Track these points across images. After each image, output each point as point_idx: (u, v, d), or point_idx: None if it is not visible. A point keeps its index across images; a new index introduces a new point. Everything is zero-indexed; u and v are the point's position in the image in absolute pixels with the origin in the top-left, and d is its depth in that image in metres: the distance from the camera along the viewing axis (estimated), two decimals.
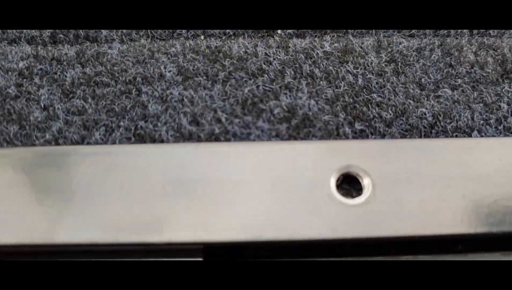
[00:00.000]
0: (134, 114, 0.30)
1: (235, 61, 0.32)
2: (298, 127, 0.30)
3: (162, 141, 0.29)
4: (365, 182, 0.26)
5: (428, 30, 0.35)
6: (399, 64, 0.32)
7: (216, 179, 0.26)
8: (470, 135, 0.30)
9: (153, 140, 0.29)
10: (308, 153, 0.27)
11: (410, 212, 0.26)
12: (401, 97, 0.31)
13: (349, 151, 0.27)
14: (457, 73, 0.32)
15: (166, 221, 0.25)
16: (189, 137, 0.29)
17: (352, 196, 0.26)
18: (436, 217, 0.26)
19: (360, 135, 0.29)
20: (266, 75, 0.31)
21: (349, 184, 0.27)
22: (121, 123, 0.30)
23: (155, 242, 0.25)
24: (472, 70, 0.32)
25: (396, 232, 0.25)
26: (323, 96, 0.31)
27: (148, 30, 0.34)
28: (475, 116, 0.30)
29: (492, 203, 0.26)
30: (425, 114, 0.30)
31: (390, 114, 0.30)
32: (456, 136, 0.29)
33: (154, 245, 0.25)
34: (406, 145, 0.27)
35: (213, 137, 0.29)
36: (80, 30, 0.34)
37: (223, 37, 0.34)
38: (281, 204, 0.25)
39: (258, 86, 0.31)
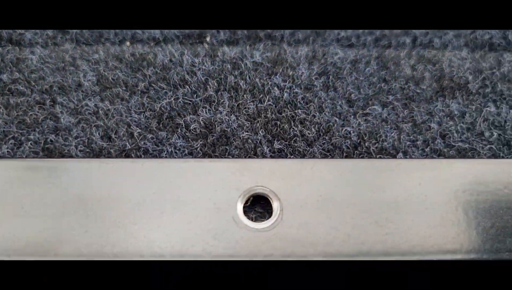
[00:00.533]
0: (45, 126, 0.29)
1: (158, 70, 0.31)
2: (214, 145, 0.28)
3: (70, 157, 0.28)
4: (274, 205, 0.25)
5: (369, 40, 0.33)
6: (330, 77, 0.31)
7: (118, 198, 0.25)
8: (394, 157, 0.28)
9: (62, 155, 0.28)
10: (217, 172, 0.25)
11: (318, 238, 0.25)
12: (327, 114, 0.29)
13: (260, 171, 0.26)
14: (390, 89, 0.31)
15: (62, 241, 0.24)
16: (99, 153, 0.28)
17: (261, 220, 0.25)
18: (345, 244, 0.25)
19: (278, 154, 0.28)
20: (188, 87, 0.30)
21: (261, 206, 0.26)
22: (31, 136, 0.28)
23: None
24: (406, 86, 0.31)
25: (300, 258, 0.24)
26: (245, 112, 0.29)
27: (74, 33, 0.33)
28: (402, 136, 0.29)
29: (405, 230, 0.25)
30: (349, 133, 0.29)
31: (313, 133, 0.29)
32: (380, 158, 0.28)
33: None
34: (322, 166, 0.26)
35: (123, 154, 0.28)
36: (3, 31, 0.33)
37: (151, 44, 0.32)
38: (182, 226, 0.24)
39: (177, 99, 0.30)
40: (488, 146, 0.29)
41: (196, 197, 0.25)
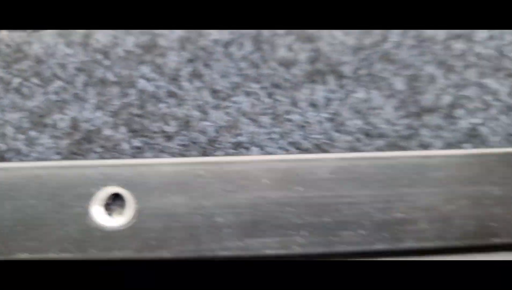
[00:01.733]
0: None
1: (33, 64, 0.31)
2: (80, 143, 0.30)
3: None
4: (129, 205, 0.27)
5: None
6: (200, 64, 0.31)
7: None
8: (249, 152, 0.29)
9: None
10: (74, 175, 0.27)
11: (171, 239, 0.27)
12: (188, 107, 0.30)
13: (113, 173, 0.27)
14: (258, 75, 0.30)
15: None
16: None
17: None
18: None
19: (137, 152, 0.29)
20: (59, 82, 0.31)
21: (115, 206, 0.28)
22: None
23: None
24: (276, 71, 0.30)
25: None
26: (110, 108, 0.30)
27: None
28: (260, 129, 0.29)
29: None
30: (207, 127, 0.29)
31: (173, 128, 0.29)
32: (233, 153, 0.29)
33: None
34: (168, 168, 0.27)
35: None
36: None
37: (29, 31, 0.33)
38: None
39: (47, 96, 0.31)
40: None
41: (55, 203, 0.27)
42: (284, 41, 0.31)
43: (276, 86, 0.30)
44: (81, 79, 0.31)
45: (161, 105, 0.30)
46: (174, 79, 0.30)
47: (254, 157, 0.27)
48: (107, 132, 0.30)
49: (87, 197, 0.27)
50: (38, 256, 0.26)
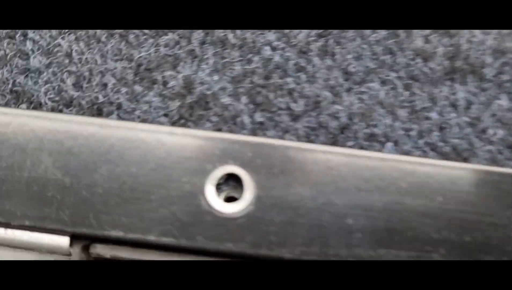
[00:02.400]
0: (14, 65, 0.26)
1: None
2: (192, 107, 0.26)
3: (40, 104, 0.26)
4: (247, 189, 0.24)
5: None
6: (331, 40, 0.28)
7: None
8: (383, 146, 0.26)
9: (30, 102, 0.26)
10: (187, 146, 0.24)
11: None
12: (318, 86, 0.27)
13: (232, 149, 0.24)
14: (394, 62, 0.27)
15: None
16: (70, 104, 0.26)
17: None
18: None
19: (259, 127, 0.26)
20: (170, 34, 0.27)
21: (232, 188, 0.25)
22: None
23: None
24: (413, 61, 0.27)
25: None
26: (229, 72, 0.27)
27: None
28: (396, 123, 0.27)
29: None
30: (339, 112, 0.26)
31: (300, 107, 0.26)
32: (366, 146, 0.26)
33: None
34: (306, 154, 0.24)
35: (94, 107, 0.26)
36: None
37: None
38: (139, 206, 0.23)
39: (158, 48, 0.27)
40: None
41: (164, 173, 0.23)
42: (421, 32, 0.28)
43: (414, 78, 0.27)
44: (198, 35, 0.27)
45: (289, 79, 0.27)
46: (303, 52, 0.27)
47: (394, 156, 0.25)
48: (225, 99, 0.26)
49: (200, 173, 0.23)
50: (134, 236, 0.23)
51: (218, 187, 0.24)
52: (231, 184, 0.24)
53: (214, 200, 0.23)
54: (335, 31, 0.28)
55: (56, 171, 0.23)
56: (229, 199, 0.24)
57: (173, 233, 0.23)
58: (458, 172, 0.24)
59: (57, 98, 0.26)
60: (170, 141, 0.23)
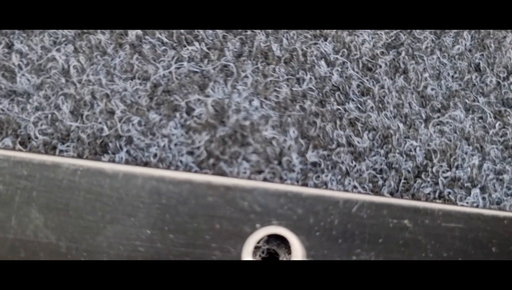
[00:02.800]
0: None
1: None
2: (225, 143, 0.20)
3: (28, 138, 0.20)
4: (295, 257, 0.18)
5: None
6: (403, 54, 0.21)
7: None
8: (469, 193, 0.21)
9: (16, 135, 0.20)
10: (216, 202, 0.18)
11: None
12: (388, 115, 0.21)
13: (276, 204, 0.18)
14: (483, 83, 0.21)
15: None
16: (66, 137, 0.20)
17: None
18: None
19: (312, 169, 0.20)
20: (196, 44, 0.21)
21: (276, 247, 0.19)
22: None
23: None
24: (506, 81, 0.21)
25: None
26: (273, 96, 0.21)
27: None
28: (485, 163, 0.21)
29: None
30: (414, 149, 0.21)
31: (365, 142, 0.20)
32: (448, 193, 0.20)
33: None
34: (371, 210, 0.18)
35: (98, 142, 0.20)
36: None
37: None
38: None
39: (180, 63, 0.21)
40: None
41: (188, 237, 0.18)
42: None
43: (506, 102, 0.21)
44: (232, 45, 0.21)
45: (351, 106, 0.21)
46: (369, 69, 0.21)
47: (480, 210, 0.19)
48: (267, 132, 0.20)
49: (237, 238, 0.18)
50: None
51: (257, 253, 0.18)
52: (273, 242, 0.19)
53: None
54: (407, 40, 0.21)
55: (48, 232, 0.18)
56: (269, 258, 0.18)
57: None
58: None
59: (50, 130, 0.20)
60: (196, 194, 0.18)
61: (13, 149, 0.19)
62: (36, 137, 0.20)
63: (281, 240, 0.19)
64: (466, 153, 0.21)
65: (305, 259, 0.18)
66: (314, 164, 0.20)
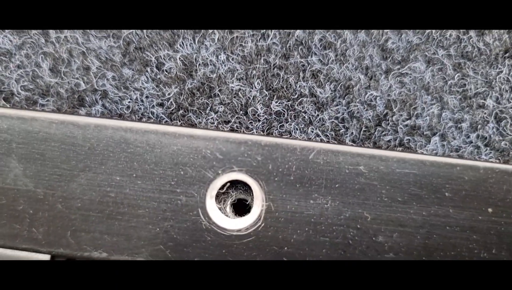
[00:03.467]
0: None
1: None
2: (193, 95, 0.21)
3: (11, 94, 0.21)
4: (255, 201, 0.19)
5: None
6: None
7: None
8: (428, 141, 0.21)
9: (0, 92, 0.21)
10: (182, 149, 0.19)
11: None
12: (350, 67, 0.22)
13: (237, 152, 0.19)
14: (442, 37, 0.22)
15: None
16: (46, 92, 0.21)
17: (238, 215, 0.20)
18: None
19: (275, 118, 0.21)
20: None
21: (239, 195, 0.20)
22: None
23: None
24: (465, 36, 0.22)
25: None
26: (239, 50, 0.22)
27: None
28: (444, 113, 0.22)
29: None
30: (375, 99, 0.21)
31: (327, 92, 0.21)
32: (407, 141, 0.21)
33: None
34: (330, 156, 0.19)
35: (75, 96, 0.21)
36: None
37: None
38: (132, 224, 0.19)
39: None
40: None
41: (154, 183, 0.19)
42: None
43: (466, 55, 0.22)
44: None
45: (313, 59, 0.22)
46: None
47: (436, 158, 0.20)
48: (234, 84, 0.21)
49: (201, 183, 0.19)
50: (119, 258, 0.19)
51: (220, 198, 0.19)
52: (236, 191, 0.20)
53: (216, 214, 0.19)
54: None
55: (27, 180, 0.19)
56: (237, 205, 0.19)
57: (166, 255, 0.19)
58: None
59: (31, 86, 0.21)
60: (162, 143, 0.19)
61: None
62: (19, 93, 0.21)
63: (248, 187, 0.20)
64: (425, 103, 0.21)
65: (264, 203, 0.19)
66: (278, 113, 0.21)
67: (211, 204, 0.19)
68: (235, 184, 0.20)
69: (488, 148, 0.21)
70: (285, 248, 0.19)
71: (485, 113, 0.21)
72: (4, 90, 0.21)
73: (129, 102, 0.21)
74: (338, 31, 0.22)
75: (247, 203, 0.20)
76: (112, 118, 0.20)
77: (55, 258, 0.19)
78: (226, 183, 0.19)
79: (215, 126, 0.21)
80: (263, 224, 0.19)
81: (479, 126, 0.21)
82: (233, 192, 0.20)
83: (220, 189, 0.19)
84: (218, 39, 0.21)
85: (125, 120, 0.19)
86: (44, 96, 0.21)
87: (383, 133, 0.21)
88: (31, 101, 0.21)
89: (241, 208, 0.20)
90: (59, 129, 0.19)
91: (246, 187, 0.20)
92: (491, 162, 0.20)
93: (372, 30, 0.22)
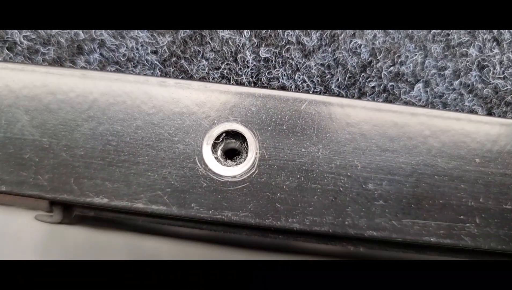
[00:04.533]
0: None
1: None
2: (185, 43, 0.22)
3: (15, 44, 0.23)
4: (249, 149, 0.20)
5: None
6: None
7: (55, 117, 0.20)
8: (412, 88, 0.22)
9: (4, 41, 0.23)
10: (180, 99, 0.20)
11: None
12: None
13: (233, 103, 0.20)
14: None
15: None
16: (47, 41, 0.23)
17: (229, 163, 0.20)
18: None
19: (264, 64, 0.22)
20: None
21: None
22: None
23: None
24: None
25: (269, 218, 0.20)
26: None
27: None
28: (427, 60, 0.22)
29: None
30: (359, 47, 0.22)
31: (314, 40, 0.22)
32: (391, 87, 0.22)
33: None
34: (320, 107, 0.20)
35: (75, 45, 0.22)
36: None
37: None
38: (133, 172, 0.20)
39: None
40: None
41: (153, 132, 0.20)
42: None
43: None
44: None
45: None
46: None
47: (424, 110, 0.20)
48: (224, 33, 0.22)
49: (196, 132, 0.19)
50: (119, 203, 0.19)
51: (216, 147, 0.20)
52: (231, 140, 0.20)
53: (212, 162, 0.19)
54: None
55: (33, 130, 0.20)
56: (229, 153, 0.20)
57: (164, 200, 0.19)
58: (501, 129, 0.20)
59: (33, 36, 0.22)
60: (160, 94, 0.20)
61: (1, 53, 0.22)
62: (21, 43, 0.22)
63: (240, 137, 0.20)
64: (409, 51, 0.22)
65: (258, 151, 0.19)
66: (266, 60, 0.22)
67: (207, 152, 0.19)
68: (227, 134, 0.20)
69: (470, 95, 0.22)
70: (278, 194, 0.19)
71: (467, 62, 0.22)
72: (8, 39, 0.22)
73: (125, 50, 0.22)
74: None
75: (237, 151, 0.21)
76: (114, 72, 0.21)
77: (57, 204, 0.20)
78: (222, 132, 0.20)
79: (206, 72, 0.22)
80: (256, 171, 0.19)
81: (462, 74, 0.22)
82: (226, 140, 0.21)
83: (216, 139, 0.20)
84: None
85: (125, 73, 0.20)
86: (46, 45, 0.22)
87: (368, 79, 0.22)
88: (33, 51, 0.22)
89: (232, 157, 0.21)
90: (64, 82, 0.20)
91: (238, 137, 0.20)
92: (477, 113, 0.21)
93: None
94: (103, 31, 0.22)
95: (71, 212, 0.22)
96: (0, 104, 0.20)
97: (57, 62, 0.22)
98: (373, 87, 0.22)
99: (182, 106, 0.19)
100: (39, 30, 0.22)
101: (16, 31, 0.22)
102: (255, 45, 0.22)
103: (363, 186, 0.19)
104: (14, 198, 0.22)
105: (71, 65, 0.22)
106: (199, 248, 0.23)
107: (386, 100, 0.22)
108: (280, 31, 0.22)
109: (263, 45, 0.22)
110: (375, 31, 0.22)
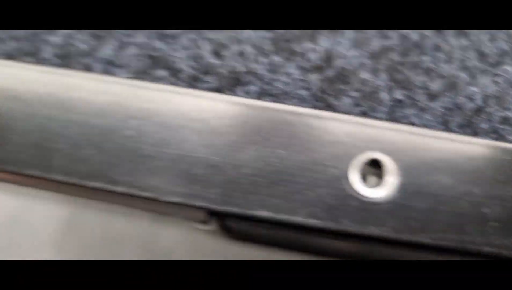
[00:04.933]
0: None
1: None
2: (332, 81, 0.26)
3: (177, 71, 0.25)
4: (390, 176, 0.24)
5: None
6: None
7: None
8: None
9: (168, 68, 0.25)
10: (333, 130, 0.23)
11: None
12: (454, 66, 0.27)
13: (377, 135, 0.24)
14: None
15: None
16: (206, 71, 0.25)
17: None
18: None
19: (397, 105, 0.26)
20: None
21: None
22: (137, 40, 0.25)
23: None
24: None
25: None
26: (368, 48, 0.26)
27: None
28: None
29: None
30: (474, 94, 0.27)
31: (437, 86, 0.26)
32: (500, 129, 0.26)
33: None
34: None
35: (232, 76, 0.25)
36: None
37: None
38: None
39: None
40: None
41: (311, 157, 0.23)
42: None
43: None
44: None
45: (425, 58, 0.27)
46: (438, 30, 0.27)
47: None
48: (365, 75, 0.26)
49: (345, 159, 0.23)
50: (282, 217, 0.23)
51: (362, 172, 0.24)
52: (373, 171, 0.24)
53: (359, 185, 0.23)
54: None
55: (202, 149, 0.23)
56: (373, 177, 0.24)
57: (320, 215, 0.23)
58: None
59: (196, 65, 0.25)
60: (317, 125, 0.23)
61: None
62: (184, 70, 0.25)
63: (379, 168, 0.24)
64: None
65: (397, 177, 0.23)
66: (399, 100, 0.26)
67: (354, 176, 0.23)
68: (372, 161, 0.24)
69: None
70: (413, 213, 0.23)
71: None
72: (171, 67, 0.25)
73: (279, 84, 0.25)
74: (444, 35, 0.27)
75: (380, 176, 0.24)
76: (273, 102, 0.24)
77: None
78: (367, 161, 0.23)
79: (347, 108, 0.25)
80: (397, 194, 0.23)
81: None
82: (370, 166, 0.24)
83: (361, 165, 0.23)
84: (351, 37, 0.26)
85: (283, 104, 0.24)
86: (206, 75, 0.25)
87: (481, 121, 0.26)
88: (193, 78, 0.25)
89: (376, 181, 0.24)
90: (230, 109, 0.23)
91: (380, 164, 0.24)
92: None
93: (473, 36, 0.27)
94: (257, 64, 0.25)
95: (224, 225, 0.25)
96: (171, 124, 0.23)
97: (219, 90, 0.25)
98: (485, 128, 0.26)
99: (334, 136, 0.23)
100: (199, 60, 0.25)
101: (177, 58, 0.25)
102: (391, 86, 0.26)
103: (480, 209, 0.23)
104: (173, 209, 0.25)
105: (230, 93, 0.25)
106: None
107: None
108: (411, 74, 0.26)
109: (398, 86, 0.26)
110: (486, 80, 0.27)
